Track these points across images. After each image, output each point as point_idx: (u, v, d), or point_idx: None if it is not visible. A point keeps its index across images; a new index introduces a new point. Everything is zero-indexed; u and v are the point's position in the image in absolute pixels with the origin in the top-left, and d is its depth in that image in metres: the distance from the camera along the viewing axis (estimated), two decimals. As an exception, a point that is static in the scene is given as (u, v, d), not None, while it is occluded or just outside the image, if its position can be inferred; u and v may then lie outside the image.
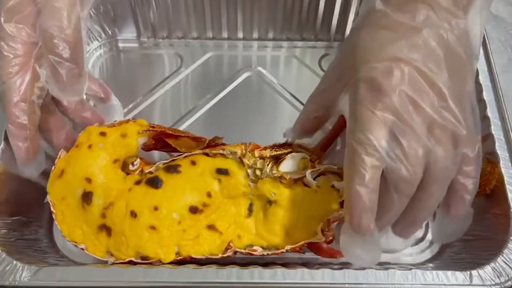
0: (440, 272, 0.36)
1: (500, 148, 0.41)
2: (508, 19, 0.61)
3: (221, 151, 0.42)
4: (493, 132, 0.42)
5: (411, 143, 0.30)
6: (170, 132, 0.44)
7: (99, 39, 0.58)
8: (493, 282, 0.36)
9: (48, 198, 0.40)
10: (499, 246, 0.37)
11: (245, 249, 0.40)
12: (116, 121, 0.44)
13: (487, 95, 0.44)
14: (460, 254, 0.42)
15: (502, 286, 0.36)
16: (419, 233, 0.47)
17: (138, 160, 0.42)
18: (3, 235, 0.39)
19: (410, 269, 0.36)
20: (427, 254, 0.45)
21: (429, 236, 0.46)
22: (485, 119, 0.43)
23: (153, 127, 0.43)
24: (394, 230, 0.35)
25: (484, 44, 0.46)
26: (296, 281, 0.36)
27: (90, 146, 0.42)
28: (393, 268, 0.36)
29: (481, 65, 0.46)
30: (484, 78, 0.45)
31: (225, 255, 0.40)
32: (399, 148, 0.30)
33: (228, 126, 0.52)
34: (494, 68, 0.46)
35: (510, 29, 0.61)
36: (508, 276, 0.36)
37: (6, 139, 0.41)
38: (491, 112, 0.43)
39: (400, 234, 0.35)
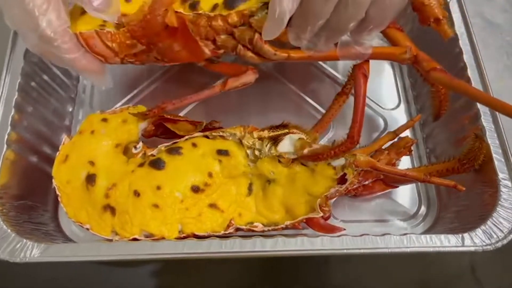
0: (434, 236, 0.39)
1: (486, 121, 0.44)
2: (503, 26, 0.63)
3: (221, 133, 0.46)
4: (478, 106, 0.45)
5: None
6: (169, 116, 0.47)
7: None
8: (484, 243, 0.39)
9: (54, 182, 0.43)
10: (489, 211, 0.41)
11: (246, 226, 0.43)
12: (117, 108, 0.47)
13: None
14: (452, 224, 0.45)
15: (493, 246, 0.39)
16: (412, 209, 0.50)
17: (141, 143, 0.45)
18: (12, 217, 0.41)
19: (405, 234, 0.39)
20: (420, 228, 0.49)
21: (422, 211, 0.50)
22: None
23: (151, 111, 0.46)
24: (316, 39, 0.40)
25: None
26: (297, 249, 0.38)
27: (92, 132, 0.45)
28: (389, 234, 0.39)
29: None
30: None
31: (227, 232, 0.42)
32: None
33: (225, 113, 0.55)
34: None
35: (506, 35, 0.63)
36: (498, 237, 0.39)
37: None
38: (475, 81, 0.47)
39: (317, 41, 0.41)
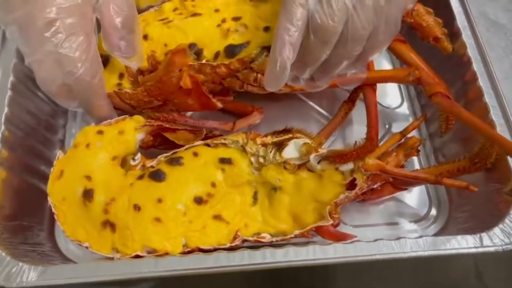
0: (450, 237, 0.38)
1: (495, 115, 0.43)
2: (508, 25, 0.63)
3: (222, 141, 0.44)
4: (486, 99, 0.44)
5: None
6: (167, 126, 0.46)
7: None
8: (503, 242, 0.38)
9: (49, 199, 0.41)
10: (505, 208, 0.39)
11: (253, 237, 0.41)
12: (112, 119, 0.45)
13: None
14: (466, 223, 0.44)
15: (513, 245, 0.37)
16: (422, 210, 0.49)
17: (139, 154, 0.44)
18: (5, 239, 0.40)
19: (421, 237, 0.38)
20: (432, 230, 0.48)
21: (433, 212, 0.49)
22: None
23: (149, 122, 0.45)
24: (314, 75, 0.42)
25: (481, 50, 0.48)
26: (309, 258, 0.37)
27: (88, 145, 0.43)
28: (404, 238, 0.37)
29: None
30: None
31: (233, 244, 0.41)
32: None
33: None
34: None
35: (510, 35, 0.62)
36: (517, 236, 0.38)
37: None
38: (483, 83, 0.45)
39: (316, 77, 0.42)
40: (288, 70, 0.38)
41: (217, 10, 0.49)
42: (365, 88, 0.48)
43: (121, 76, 0.47)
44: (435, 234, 0.46)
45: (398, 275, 0.47)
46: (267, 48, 0.45)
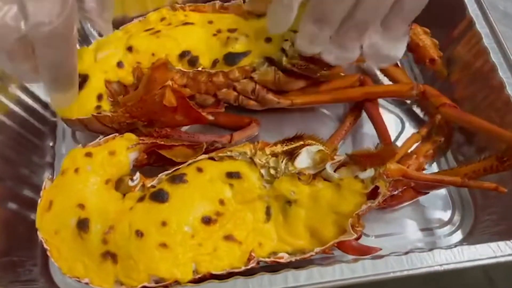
0: (485, 245, 0.35)
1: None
2: None
3: (228, 153, 0.41)
4: (509, 91, 0.42)
5: None
6: (162, 142, 0.42)
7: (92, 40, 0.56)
8: (544, 245, 0.35)
9: (39, 235, 0.38)
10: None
11: (269, 257, 0.38)
12: (101, 139, 0.42)
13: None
14: (497, 226, 0.42)
15: (560, 248, 0.35)
16: (446, 213, 0.46)
17: (138, 174, 0.41)
18: (-6, 279, 0.36)
19: (455, 246, 0.35)
20: (459, 235, 0.45)
21: (457, 215, 0.46)
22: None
23: (142, 139, 0.42)
24: (340, 36, 0.37)
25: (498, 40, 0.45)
26: (336, 279, 0.34)
27: (76, 170, 0.40)
28: (438, 248, 0.35)
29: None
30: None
31: (248, 267, 0.38)
32: None
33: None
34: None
35: None
36: (557, 237, 0.35)
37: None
38: (503, 73, 0.43)
39: (340, 42, 0.37)
40: (294, 12, 0.34)
41: (210, 22, 0.47)
42: (366, 104, 0.47)
43: (99, 97, 0.44)
44: (463, 239, 0.44)
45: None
46: (269, 59, 0.43)
